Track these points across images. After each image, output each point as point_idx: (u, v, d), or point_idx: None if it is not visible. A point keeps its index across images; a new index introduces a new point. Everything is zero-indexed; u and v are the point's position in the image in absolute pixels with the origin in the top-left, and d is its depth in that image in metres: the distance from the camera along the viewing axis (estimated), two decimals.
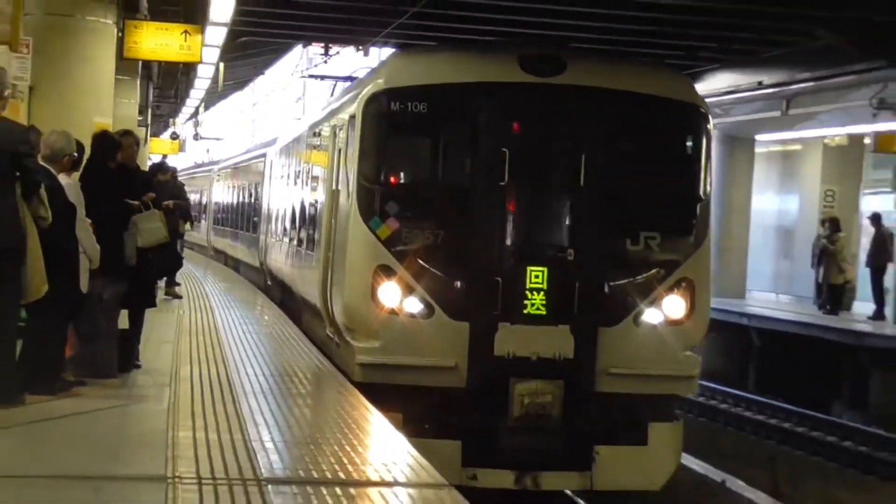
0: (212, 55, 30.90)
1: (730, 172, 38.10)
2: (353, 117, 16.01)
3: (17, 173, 11.09)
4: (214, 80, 41.37)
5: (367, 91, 15.86)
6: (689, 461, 19.58)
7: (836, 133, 35.68)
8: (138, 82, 31.87)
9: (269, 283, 28.78)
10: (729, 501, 18.16)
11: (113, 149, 14.28)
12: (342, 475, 9.93)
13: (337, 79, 33.17)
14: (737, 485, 19.03)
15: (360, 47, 33.56)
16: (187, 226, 32.96)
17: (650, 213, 15.61)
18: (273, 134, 35.56)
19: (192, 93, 47.86)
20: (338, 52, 36.86)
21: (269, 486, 9.13)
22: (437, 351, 15.01)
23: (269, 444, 10.75)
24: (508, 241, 15.13)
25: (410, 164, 16.27)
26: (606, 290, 15.23)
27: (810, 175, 38.65)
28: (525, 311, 14.96)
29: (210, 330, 19.57)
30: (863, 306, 32.97)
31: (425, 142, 16.02)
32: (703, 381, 20.79)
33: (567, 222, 15.38)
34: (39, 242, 11.45)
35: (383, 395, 13.96)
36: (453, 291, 15.10)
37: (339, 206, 16.55)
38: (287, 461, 10.29)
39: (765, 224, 39.22)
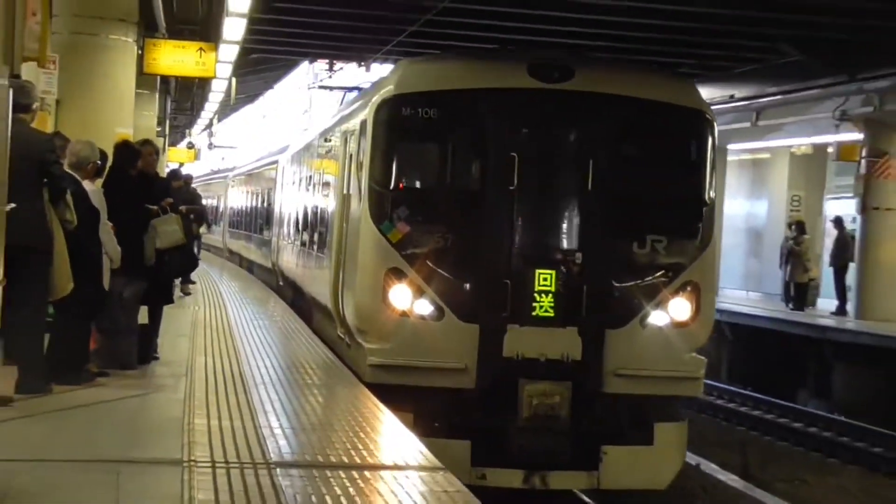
0: (225, 70, 30.93)
1: None
2: (364, 123, 15.32)
3: (45, 180, 11.07)
4: (227, 93, 41.35)
5: (379, 97, 15.09)
6: None
7: (802, 143, 35.69)
8: (157, 96, 31.88)
9: (280, 283, 28.11)
10: (703, 482, 18.11)
11: (133, 157, 14.30)
12: (346, 459, 9.92)
13: (345, 89, 33.06)
14: (710, 467, 18.99)
15: (362, 63, 33.55)
16: (203, 228, 33.02)
17: (657, 216, 14.91)
18: (284, 142, 35.17)
19: (207, 105, 47.85)
20: (341, 68, 36.88)
21: (278, 470, 9.12)
22: (447, 352, 14.29)
23: (277, 431, 10.73)
24: (517, 245, 14.43)
25: (421, 169, 15.49)
26: (614, 292, 14.57)
27: (778, 181, 38.71)
28: (533, 314, 14.27)
29: (223, 325, 19.54)
30: (826, 303, 33.00)
31: (435, 146, 15.24)
32: None
33: (575, 226, 14.70)
34: (65, 244, 11.45)
35: (394, 395, 13.31)
36: (463, 294, 14.45)
37: (350, 210, 15.84)
38: (295, 446, 10.27)
39: (736, 227, 39.17)
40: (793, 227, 33.34)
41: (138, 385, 13.00)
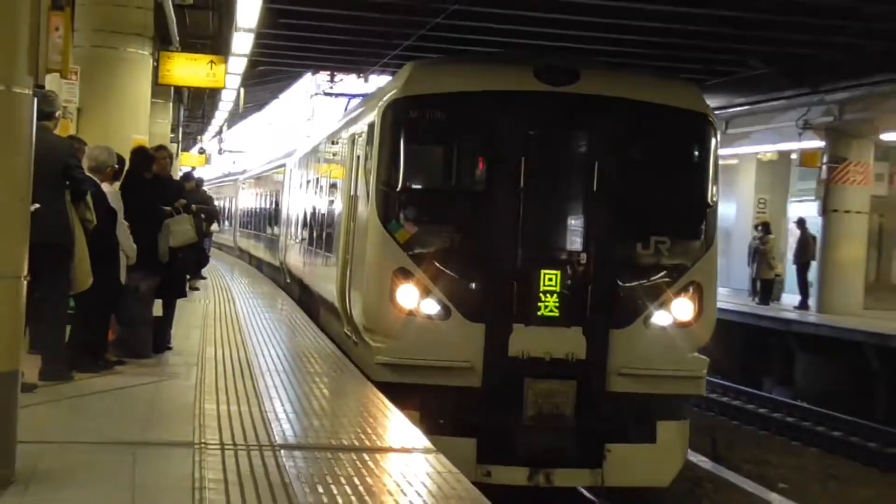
0: (234, 81, 30.92)
1: None
2: (372, 125, 14.57)
3: (67, 182, 11.07)
4: (236, 102, 41.39)
5: (387, 99, 14.31)
6: None
7: (768, 150, 35.66)
8: (171, 105, 31.83)
9: (288, 281, 27.51)
10: None
11: (149, 162, 14.30)
12: (345, 442, 9.92)
13: (348, 96, 33.04)
14: None
15: (361, 74, 33.57)
16: (214, 227, 32.97)
17: (660, 217, 14.22)
18: (290, 146, 34.98)
19: (217, 114, 47.87)
20: (342, 79, 36.87)
21: (282, 451, 9.12)
22: (454, 351, 13.53)
23: (282, 416, 10.73)
24: (523, 245, 13.63)
25: (428, 170, 14.71)
26: (618, 292, 13.83)
27: (746, 185, 38.75)
28: (539, 313, 13.55)
29: (232, 318, 19.54)
30: (790, 298, 33.04)
31: (443, 148, 14.52)
32: None
33: (580, 227, 13.94)
34: (85, 242, 11.46)
35: (401, 393, 12.64)
36: (469, 294, 13.70)
37: (358, 211, 15.15)
38: (298, 430, 10.27)
39: None
40: (759, 227, 33.39)
41: (153, 373, 12.98)
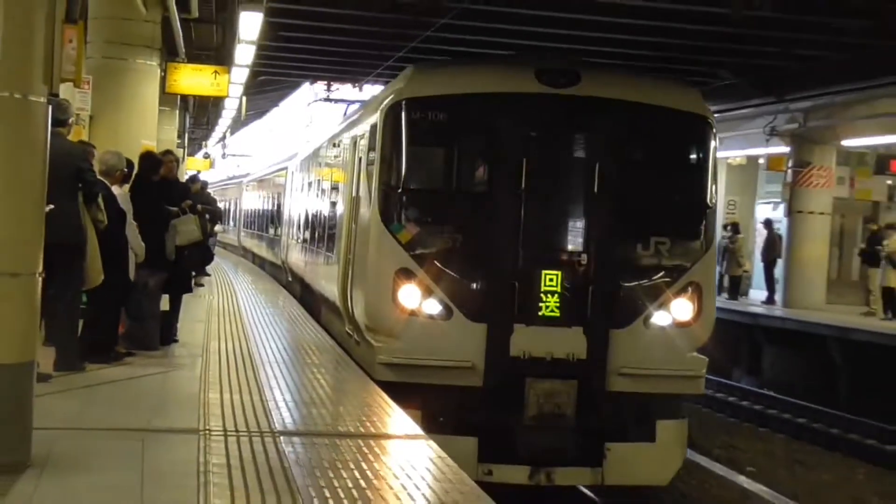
0: (236, 90, 30.99)
1: None
2: (374, 126, 13.91)
3: (80, 185, 11.07)
4: (238, 110, 41.32)
5: (389, 100, 13.59)
6: None
7: (737, 155, 35.69)
8: (177, 112, 31.81)
9: (289, 279, 26.91)
10: None
11: (156, 165, 14.31)
12: (341, 429, 9.93)
13: (347, 102, 33.01)
14: None
15: (356, 84, 33.57)
16: (218, 227, 32.88)
17: (660, 218, 13.58)
18: (292, 150, 34.75)
19: (220, 121, 47.86)
20: (338, 88, 36.85)
21: (281, 437, 9.13)
22: (455, 351, 12.84)
23: (281, 404, 10.73)
24: (524, 246, 12.93)
25: (430, 171, 14.02)
26: (618, 292, 13.14)
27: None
28: (540, 313, 12.85)
29: (235, 313, 19.52)
30: (757, 293, 33.11)
31: (444, 149, 13.78)
32: None
33: (581, 227, 13.21)
34: (97, 241, 11.46)
35: (403, 392, 12.03)
36: (471, 294, 13.01)
37: (360, 212, 14.45)
38: (296, 417, 10.27)
39: None
40: (728, 227, 33.42)
41: (160, 364, 12.98)
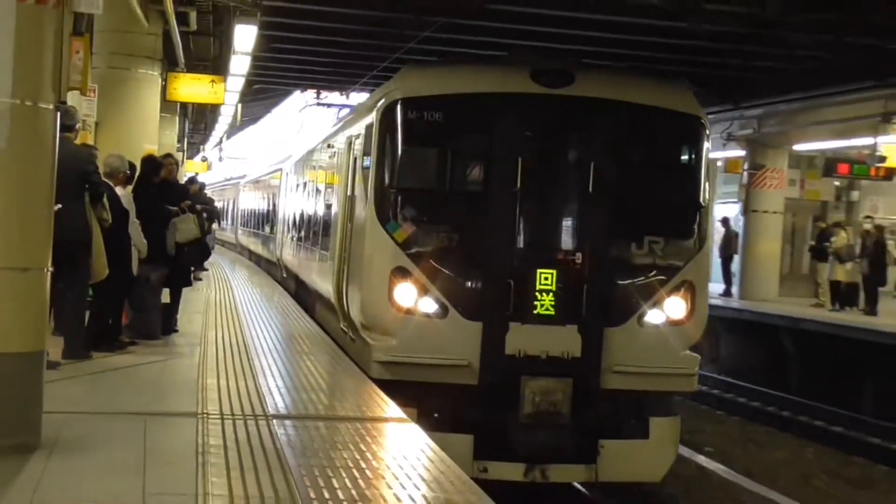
0: (232, 98, 30.91)
1: None
2: (370, 126, 13.19)
3: (86, 186, 11.06)
4: (234, 116, 41.32)
5: (385, 101, 12.80)
6: None
7: None
8: (177, 118, 31.72)
9: (284, 275, 26.25)
10: None
11: (157, 168, 14.28)
12: (329, 412, 9.95)
13: (339, 106, 32.99)
14: None
15: (343, 92, 33.57)
16: (215, 225, 32.79)
17: (654, 218, 12.87)
18: (286, 151, 34.48)
19: (217, 126, 47.75)
20: (326, 96, 36.84)
21: (274, 420, 9.12)
22: (451, 349, 12.10)
23: (274, 390, 10.73)
24: (520, 245, 12.25)
25: (425, 171, 13.08)
26: (613, 291, 12.38)
27: None
28: (535, 312, 12.11)
29: (231, 305, 19.50)
30: (715, 286, 33.14)
31: (440, 149, 12.89)
32: None
33: (575, 227, 12.53)
34: (102, 238, 11.44)
35: (399, 390, 11.38)
36: (466, 292, 12.23)
37: (355, 211, 13.67)
38: (288, 402, 10.27)
39: None
40: None
41: (161, 352, 12.96)
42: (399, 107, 12.59)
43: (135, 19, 19.40)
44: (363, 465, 7.75)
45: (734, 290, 31.34)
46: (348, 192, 14.44)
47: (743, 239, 31.20)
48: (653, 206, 12.92)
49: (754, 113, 28.45)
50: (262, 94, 39.31)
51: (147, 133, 21.29)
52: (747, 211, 30.98)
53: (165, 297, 14.70)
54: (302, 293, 21.52)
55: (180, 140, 35.39)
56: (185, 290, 15.81)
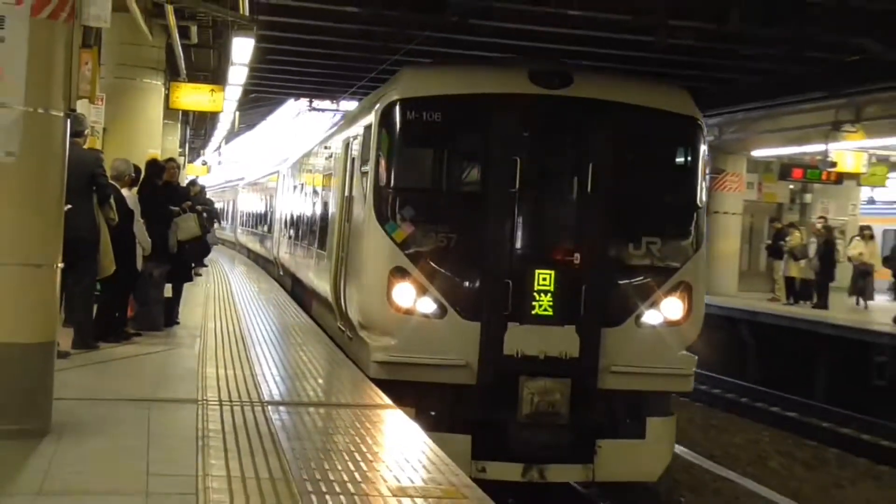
0: (230, 106, 30.90)
1: None
2: (369, 127, 12.41)
3: (94, 188, 11.04)
4: (232, 123, 41.25)
5: (384, 101, 12.01)
6: None
7: None
8: (179, 125, 31.69)
9: (280, 273, 25.61)
10: None
11: (160, 171, 14.28)
12: (325, 398, 9.95)
13: (333, 111, 32.95)
14: None
15: (333, 100, 33.59)
16: (215, 224, 32.71)
17: (652, 219, 12.14)
18: (283, 154, 34.27)
19: (216, 132, 47.64)
20: (317, 104, 36.83)
21: (269, 406, 9.13)
22: (450, 349, 11.37)
23: (269, 378, 10.73)
24: (518, 245, 11.53)
25: (424, 171, 12.45)
26: (610, 291, 11.67)
27: None
28: (533, 312, 11.38)
29: (229, 299, 19.49)
30: None
31: (439, 149, 12.23)
32: None
33: (573, 227, 11.74)
34: (109, 236, 11.42)
35: (397, 389, 10.70)
36: (465, 293, 11.49)
37: (353, 211, 12.90)
38: (282, 389, 10.27)
39: None
40: None
41: (164, 343, 12.95)
42: (398, 107, 11.87)
43: (140, 33, 19.38)
44: (352, 449, 7.76)
45: None
46: (346, 193, 13.72)
47: (705, 238, 31.29)
48: (650, 206, 12.26)
49: (715, 121, 28.47)
50: (258, 102, 39.25)
51: (151, 138, 21.31)
52: (709, 212, 31.04)
53: (168, 291, 14.68)
54: (298, 289, 21.21)
55: (182, 145, 35.33)
56: (186, 285, 15.79)
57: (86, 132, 12.24)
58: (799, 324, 23.99)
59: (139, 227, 12.78)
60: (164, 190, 14.23)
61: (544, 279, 11.47)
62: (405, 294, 11.44)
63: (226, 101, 27.01)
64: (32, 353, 7.46)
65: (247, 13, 17.96)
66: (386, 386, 10.73)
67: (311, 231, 18.50)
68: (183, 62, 23.55)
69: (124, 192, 12.54)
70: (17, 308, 7.40)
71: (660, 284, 11.88)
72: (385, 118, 11.90)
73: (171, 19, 19.03)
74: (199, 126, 42.76)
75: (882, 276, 28.47)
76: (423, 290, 11.42)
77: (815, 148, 28.68)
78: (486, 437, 11.37)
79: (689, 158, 12.47)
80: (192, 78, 26.02)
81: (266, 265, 30.74)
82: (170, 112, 25.40)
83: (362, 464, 7.28)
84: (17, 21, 7.25)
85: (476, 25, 19.28)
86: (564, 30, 19.21)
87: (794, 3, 17.65)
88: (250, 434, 7.96)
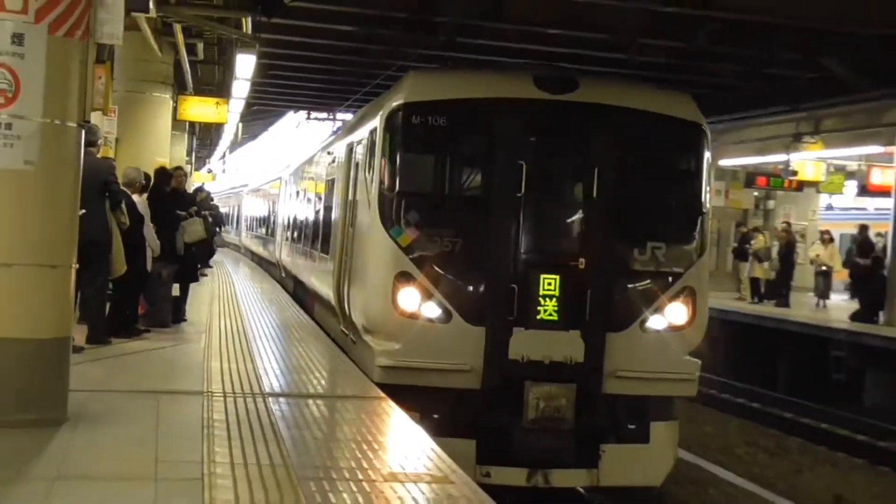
0: (234, 117, 30.92)
1: None
2: (374, 131, 11.58)
3: (107, 194, 11.05)
4: (235, 133, 41.24)
5: (390, 105, 11.23)
6: None
7: None
8: (186, 135, 31.67)
9: (283, 275, 25.00)
10: None
11: (168, 178, 14.27)
12: (321, 390, 9.95)
13: (332, 120, 32.97)
14: None
15: (329, 112, 33.62)
16: (220, 228, 32.63)
17: (656, 224, 11.36)
18: (283, 162, 34.14)
19: (221, 142, 47.61)
20: (315, 116, 36.82)
21: (270, 398, 9.12)
22: (454, 354, 10.63)
23: (270, 371, 10.72)
24: (523, 250, 10.76)
25: (429, 175, 11.53)
26: (615, 296, 10.93)
27: None
28: (538, 317, 10.68)
29: (233, 298, 19.46)
30: None
31: (445, 154, 11.33)
32: None
33: (579, 232, 11.05)
34: (121, 239, 11.42)
35: (401, 394, 9.94)
36: (470, 297, 10.74)
37: (358, 215, 12.17)
38: (283, 382, 10.27)
39: None
40: None
41: (172, 339, 12.93)
42: (404, 111, 11.09)
43: (150, 50, 19.42)
44: (347, 437, 7.77)
45: None
46: (350, 197, 12.92)
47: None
48: (655, 211, 11.48)
49: None
50: (259, 114, 39.28)
51: (160, 148, 21.30)
52: None
53: (175, 290, 14.66)
54: (299, 291, 20.89)
55: (189, 154, 35.31)
56: (192, 285, 15.79)
57: (99, 142, 12.25)
58: (763, 321, 24.04)
59: (149, 230, 12.77)
60: (171, 196, 14.22)
61: (549, 284, 10.77)
62: (410, 298, 10.72)
63: (230, 113, 27.05)
64: (49, 348, 7.47)
65: (249, 32, 17.99)
66: (391, 390, 10.04)
67: (313, 235, 18.02)
68: (190, 77, 23.56)
69: (135, 198, 12.53)
70: (35, 306, 7.40)
71: (664, 289, 11.18)
72: (390, 122, 11.18)
73: (180, 37, 19.07)
74: (204, 136, 42.73)
75: (840, 276, 28.58)
76: (428, 295, 10.69)
77: (777, 158, 28.78)
78: (491, 441, 10.68)
79: (694, 164, 11.80)
80: (199, 91, 26.02)
81: (269, 267, 30.46)
82: (177, 123, 25.38)
83: (357, 451, 7.28)
84: (36, 39, 7.26)
85: (463, 44, 19.31)
86: (546, 47, 19.28)
87: (759, 25, 17.76)
88: (252, 424, 7.96)
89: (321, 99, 30.80)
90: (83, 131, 7.72)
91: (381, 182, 11.10)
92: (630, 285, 11.07)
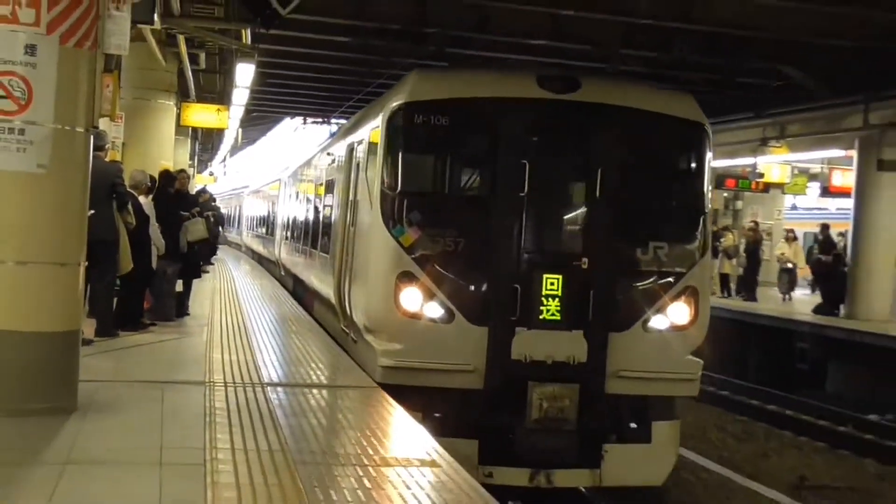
0: (234, 123, 30.88)
1: None
2: (376, 130, 11.00)
3: (114, 195, 11.03)
4: (236, 138, 41.20)
5: (392, 104, 10.58)
6: None
7: None
8: (189, 140, 31.62)
9: (282, 273, 24.41)
10: None
11: (172, 180, 14.27)
12: (317, 380, 9.94)
13: (328, 123, 32.93)
14: None
15: (324, 119, 33.61)
16: (220, 228, 32.56)
17: (659, 223, 10.80)
18: (282, 165, 33.98)
19: (222, 146, 47.55)
20: (311, 122, 36.80)
21: (268, 388, 9.11)
22: (457, 354, 10.06)
23: (268, 362, 10.71)
24: (526, 249, 10.16)
25: (432, 175, 11.03)
26: (618, 296, 10.35)
27: None
28: (541, 317, 10.10)
29: (233, 294, 19.44)
30: None
31: (447, 153, 10.75)
32: None
33: (582, 232, 10.45)
34: (127, 238, 11.40)
35: (404, 394, 9.43)
36: (473, 297, 10.13)
37: (359, 215, 11.50)
38: (280, 372, 10.26)
39: None
40: None
41: (176, 332, 12.91)
42: (406, 110, 10.46)
43: (155, 59, 19.37)
44: (343, 425, 7.80)
45: None
46: (351, 197, 12.25)
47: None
48: (658, 211, 10.95)
49: None
50: (258, 120, 39.23)
51: (164, 152, 21.28)
52: None
53: (179, 286, 14.65)
54: (299, 289, 20.43)
55: (191, 157, 35.25)
56: (195, 281, 15.77)
57: (107, 146, 12.22)
58: (731, 314, 24.09)
59: (154, 230, 12.76)
60: (175, 197, 14.21)
61: (552, 284, 10.19)
62: (412, 298, 10.11)
63: (230, 119, 27.04)
64: (60, 341, 7.46)
65: (249, 42, 17.98)
66: (393, 390, 9.48)
67: (313, 234, 17.47)
68: (192, 85, 23.52)
69: (141, 199, 12.52)
70: (46, 301, 7.40)
71: (667, 289, 10.58)
72: (393, 121, 10.55)
73: (183, 48, 19.04)
74: (206, 141, 42.63)
75: (804, 272, 28.70)
76: (430, 295, 10.08)
77: (745, 161, 28.85)
78: (493, 441, 10.12)
79: (696, 164, 11.23)
80: (201, 99, 25.97)
81: (269, 266, 30.11)
82: (181, 129, 25.36)
83: (350, 437, 7.29)
84: (47, 50, 7.25)
85: (452, 54, 19.32)
86: (532, 58, 19.28)
87: (732, 37, 17.83)
88: (252, 412, 7.95)
89: (317, 105, 30.81)
90: (92, 136, 7.72)
91: (383, 181, 10.46)
92: (633, 285, 10.53)
